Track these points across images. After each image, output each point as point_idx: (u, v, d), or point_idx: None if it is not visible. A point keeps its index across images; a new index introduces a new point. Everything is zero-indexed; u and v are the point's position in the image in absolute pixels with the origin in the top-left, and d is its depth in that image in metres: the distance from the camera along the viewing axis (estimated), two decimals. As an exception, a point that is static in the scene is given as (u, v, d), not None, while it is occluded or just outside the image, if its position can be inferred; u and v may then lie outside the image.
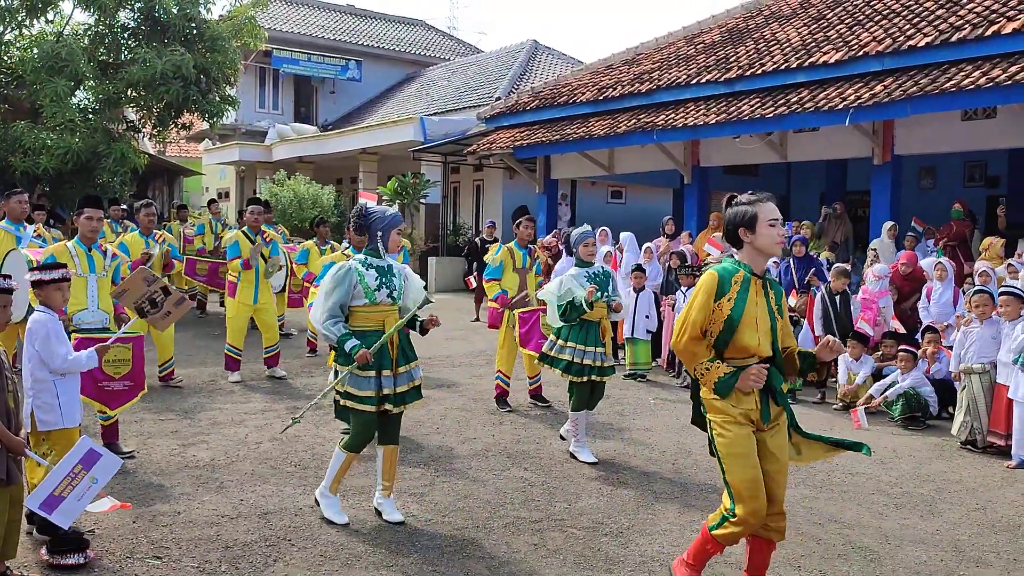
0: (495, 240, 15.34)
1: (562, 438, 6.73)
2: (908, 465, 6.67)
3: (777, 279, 10.28)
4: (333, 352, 5.23)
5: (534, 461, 6.37)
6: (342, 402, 4.89)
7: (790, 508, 5.47)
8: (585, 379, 6.31)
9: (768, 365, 3.73)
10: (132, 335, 5.94)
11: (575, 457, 6.39)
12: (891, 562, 4.65)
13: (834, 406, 8.78)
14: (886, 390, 8.28)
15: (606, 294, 6.44)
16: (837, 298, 9.37)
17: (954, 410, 7.65)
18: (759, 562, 3.97)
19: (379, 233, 4.94)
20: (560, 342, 6.37)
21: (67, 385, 4.51)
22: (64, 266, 4.68)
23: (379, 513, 5.02)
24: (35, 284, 4.50)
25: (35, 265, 6.41)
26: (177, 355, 8.98)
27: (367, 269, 4.86)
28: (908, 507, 5.62)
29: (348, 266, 4.83)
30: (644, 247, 11.59)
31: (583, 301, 6.25)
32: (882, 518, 5.38)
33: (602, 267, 6.66)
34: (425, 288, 5.17)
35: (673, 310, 9.93)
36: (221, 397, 8.30)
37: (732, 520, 3.72)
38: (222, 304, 13.74)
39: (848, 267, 9.92)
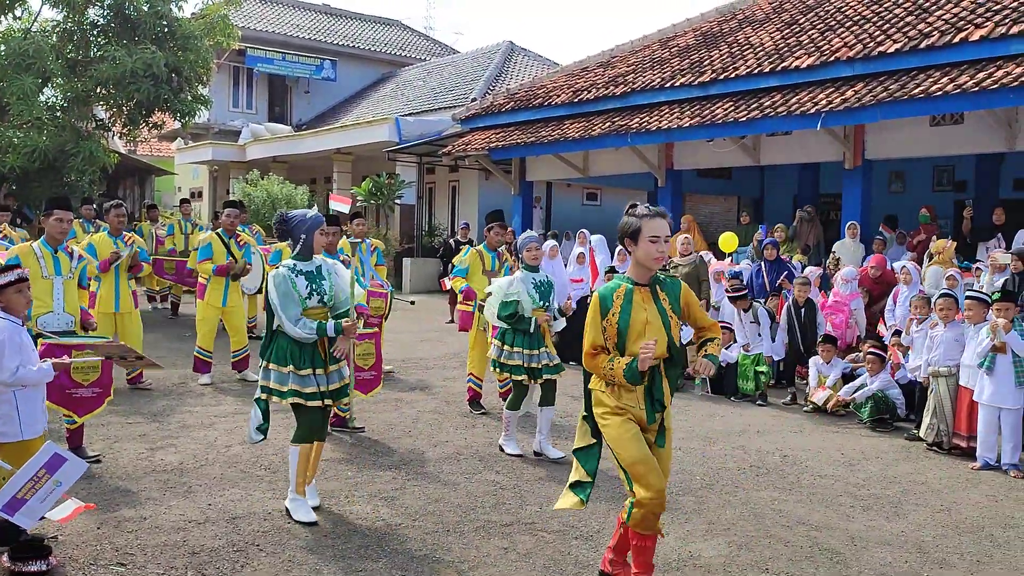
0: (469, 241, 15.34)
1: (536, 453, 6.60)
2: (876, 467, 6.74)
3: (749, 282, 10.41)
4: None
5: (506, 464, 6.37)
6: (286, 401, 4.94)
7: (758, 510, 5.54)
8: (524, 378, 6.56)
9: (655, 363, 3.95)
10: (100, 341, 5.87)
11: (502, 450, 6.68)
12: (857, 563, 4.70)
13: (804, 408, 8.86)
14: (855, 392, 8.37)
15: (546, 304, 6.66)
16: (802, 309, 9.42)
17: (920, 412, 7.75)
18: (624, 546, 4.14)
19: (302, 236, 5.02)
20: (507, 347, 6.58)
21: (29, 395, 4.37)
22: (18, 266, 4.56)
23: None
24: None
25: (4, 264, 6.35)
26: (146, 357, 8.86)
27: (296, 276, 4.95)
28: (875, 509, 5.68)
29: (282, 275, 4.91)
30: (617, 249, 11.63)
31: (529, 318, 6.57)
32: (849, 520, 5.43)
33: (546, 275, 6.85)
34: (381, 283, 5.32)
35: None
36: (191, 400, 8.22)
37: (637, 503, 3.86)
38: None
39: (809, 276, 9.98)
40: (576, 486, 4.16)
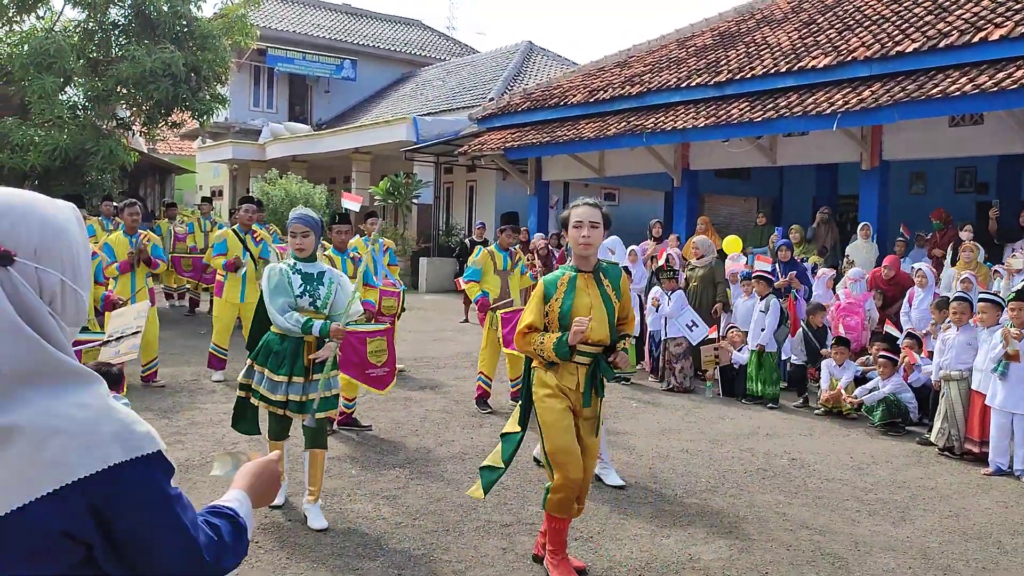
0: (484, 241, 15.35)
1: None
2: (884, 471, 6.67)
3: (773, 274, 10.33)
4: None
5: (511, 465, 6.35)
6: (253, 401, 4.98)
7: (762, 513, 5.49)
8: None
9: (598, 349, 4.15)
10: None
11: (600, 479, 5.87)
12: (859, 569, 4.65)
13: (816, 411, 8.78)
14: (869, 394, 8.28)
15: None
16: (816, 333, 9.26)
17: (933, 417, 7.66)
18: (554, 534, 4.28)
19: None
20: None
21: None
22: None
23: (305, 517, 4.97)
24: None
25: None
26: (162, 353, 8.96)
27: (294, 274, 4.94)
28: (881, 514, 5.62)
29: (278, 268, 4.93)
30: (629, 249, 11.59)
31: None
32: (854, 524, 5.38)
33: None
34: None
35: (657, 311, 9.89)
36: (202, 396, 8.29)
37: (552, 487, 4.13)
38: (211, 306, 13.77)
39: (824, 303, 9.87)
40: (487, 469, 4.39)
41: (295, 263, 5.00)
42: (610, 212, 4.30)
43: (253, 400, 4.98)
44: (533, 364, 4.28)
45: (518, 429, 4.33)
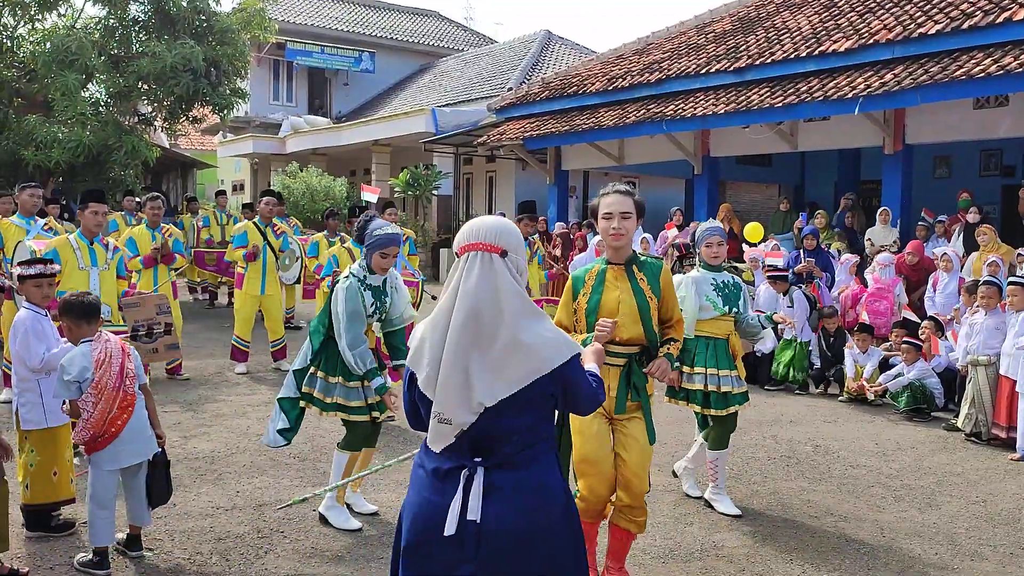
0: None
1: (674, 474, 5.73)
2: (910, 457, 6.61)
3: (786, 269, 10.27)
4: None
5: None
6: (327, 414, 4.72)
7: (786, 500, 5.47)
8: (730, 410, 5.18)
9: (634, 349, 3.87)
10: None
11: (711, 506, 5.29)
12: (885, 555, 4.62)
13: (839, 398, 8.71)
14: (893, 381, 8.21)
15: (735, 310, 5.27)
16: (832, 339, 9.11)
17: (959, 402, 7.58)
18: (616, 549, 4.06)
19: (366, 251, 4.76)
20: (687, 368, 5.23)
21: (53, 383, 4.48)
22: (47, 262, 4.63)
23: (349, 508, 4.93)
24: (19, 279, 4.49)
25: (36, 257, 6.51)
26: (185, 347, 9.01)
27: (364, 291, 4.70)
28: (907, 500, 5.58)
29: (354, 288, 4.65)
30: (640, 237, 11.56)
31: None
32: (880, 511, 5.34)
33: (732, 277, 5.42)
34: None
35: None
36: (226, 389, 8.36)
37: (577, 495, 3.83)
38: (231, 299, 13.86)
39: (838, 307, 9.76)
40: None
41: (364, 276, 4.72)
42: (643, 199, 4.00)
43: (324, 413, 4.71)
44: None
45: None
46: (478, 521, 2.26)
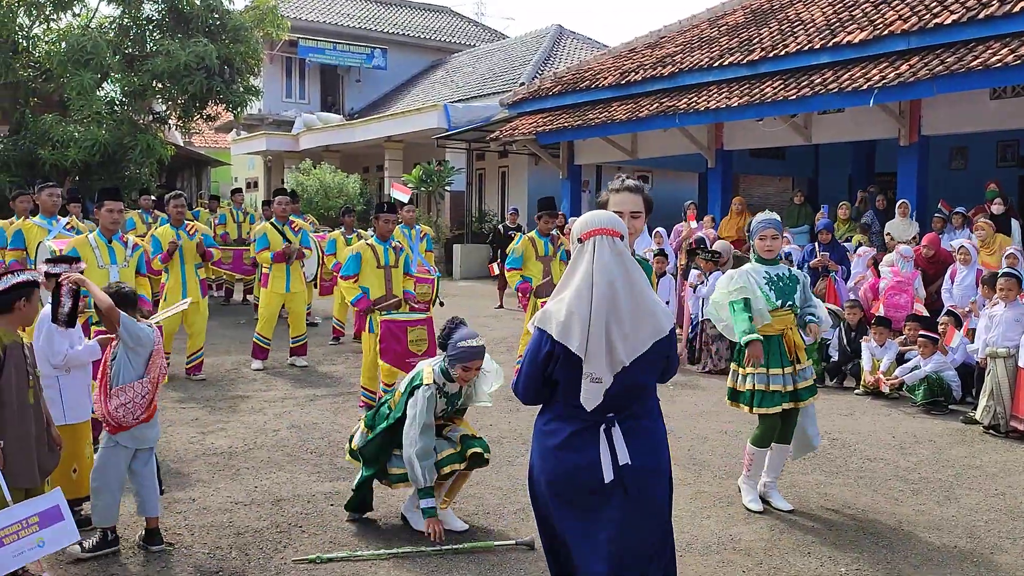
0: (518, 227, 15.34)
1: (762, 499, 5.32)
2: (928, 450, 6.58)
3: (800, 264, 10.23)
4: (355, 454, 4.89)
5: (548, 447, 6.37)
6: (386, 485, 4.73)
7: (803, 493, 5.45)
8: (775, 409, 5.07)
9: None
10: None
11: (768, 503, 5.23)
12: (903, 548, 4.61)
13: (856, 391, 8.67)
14: (910, 374, 8.16)
15: (790, 304, 5.16)
16: (853, 332, 9.05)
17: (977, 394, 7.53)
18: None
19: (448, 359, 4.63)
20: (740, 370, 5.17)
21: (72, 381, 4.49)
22: (74, 260, 4.66)
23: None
24: (45, 276, 4.52)
25: (56, 256, 6.56)
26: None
27: (440, 398, 4.65)
28: (925, 493, 5.55)
29: (433, 396, 4.58)
30: (654, 231, 11.54)
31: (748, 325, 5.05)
32: (897, 504, 5.32)
33: (788, 269, 5.28)
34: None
35: (695, 292, 9.84)
36: (243, 385, 8.41)
37: None
38: (246, 295, 13.93)
39: (856, 299, 9.70)
40: None
41: (444, 384, 4.64)
42: (651, 195, 3.89)
43: (385, 483, 4.72)
44: None
45: None
46: (629, 463, 2.78)
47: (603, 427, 2.81)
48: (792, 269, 5.35)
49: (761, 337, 5.01)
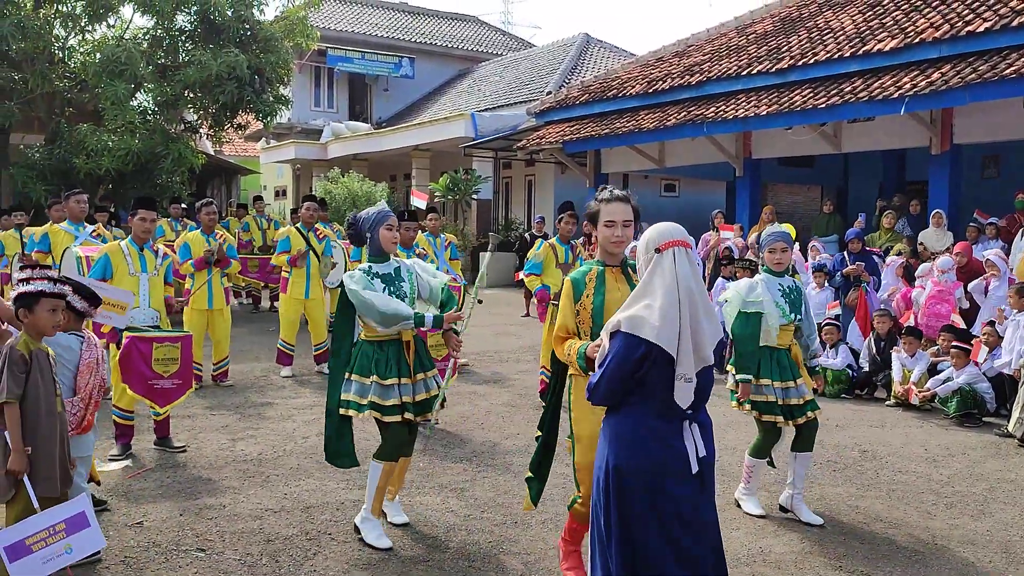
0: (544, 235, 15.35)
1: (782, 509, 5.34)
2: (961, 463, 6.49)
3: (831, 273, 10.14)
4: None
5: (576, 457, 6.36)
6: (363, 415, 4.52)
7: (834, 506, 5.40)
8: (775, 419, 5.18)
9: None
10: (180, 334, 6.10)
11: (739, 505, 5.38)
12: (936, 563, 4.55)
13: (887, 403, 8.57)
14: (940, 385, 8.06)
15: (798, 316, 5.25)
16: (883, 342, 8.97)
17: (1011, 407, 7.42)
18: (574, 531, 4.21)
19: (369, 235, 4.65)
20: (754, 380, 5.19)
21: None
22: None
23: (384, 515, 4.82)
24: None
25: (83, 263, 6.66)
26: (230, 351, 9.16)
27: (372, 279, 4.57)
28: (959, 507, 5.48)
29: (359, 274, 4.55)
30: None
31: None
32: (931, 518, 5.26)
33: (794, 281, 5.39)
34: (478, 281, 4.96)
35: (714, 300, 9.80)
36: (272, 392, 8.47)
37: (580, 502, 3.99)
38: (273, 303, 14.04)
39: (889, 309, 9.59)
40: (528, 480, 4.32)
41: (370, 267, 4.62)
42: (640, 205, 3.99)
43: (360, 415, 4.52)
44: (570, 371, 3.97)
45: (538, 433, 4.21)
46: (705, 455, 3.10)
47: (687, 422, 3.09)
48: (797, 281, 5.43)
49: (752, 378, 5.12)
